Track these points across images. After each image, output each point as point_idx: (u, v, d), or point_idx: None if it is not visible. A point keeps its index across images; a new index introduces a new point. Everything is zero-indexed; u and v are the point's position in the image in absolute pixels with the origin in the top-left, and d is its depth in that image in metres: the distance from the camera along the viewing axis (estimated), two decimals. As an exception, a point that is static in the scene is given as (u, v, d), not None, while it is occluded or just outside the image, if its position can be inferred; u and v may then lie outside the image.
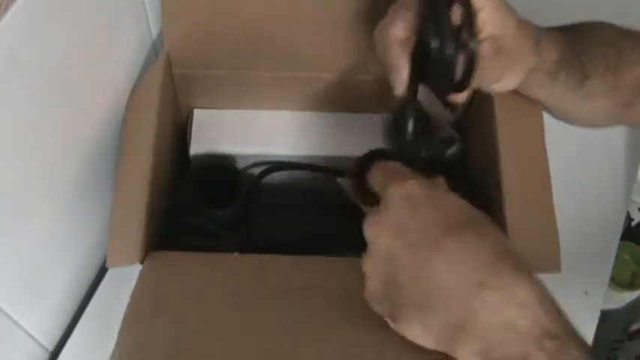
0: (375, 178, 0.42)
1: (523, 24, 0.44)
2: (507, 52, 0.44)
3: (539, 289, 0.36)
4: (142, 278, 0.46)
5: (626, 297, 0.89)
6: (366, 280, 0.39)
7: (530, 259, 0.46)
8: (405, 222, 0.38)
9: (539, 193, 0.50)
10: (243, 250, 0.49)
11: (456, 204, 0.39)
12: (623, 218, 0.67)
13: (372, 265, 0.39)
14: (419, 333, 0.37)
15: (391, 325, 0.38)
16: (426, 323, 0.36)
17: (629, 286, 0.91)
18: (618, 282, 0.90)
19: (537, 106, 0.52)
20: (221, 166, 0.57)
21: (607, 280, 0.65)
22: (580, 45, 0.48)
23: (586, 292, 0.63)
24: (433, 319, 0.36)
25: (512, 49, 0.44)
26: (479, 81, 0.43)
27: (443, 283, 0.36)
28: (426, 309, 0.36)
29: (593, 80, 0.48)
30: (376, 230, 0.39)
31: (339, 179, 0.56)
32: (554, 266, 0.47)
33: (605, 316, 0.64)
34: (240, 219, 0.57)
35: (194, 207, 0.55)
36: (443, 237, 0.37)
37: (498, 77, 0.46)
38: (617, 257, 0.66)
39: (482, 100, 0.55)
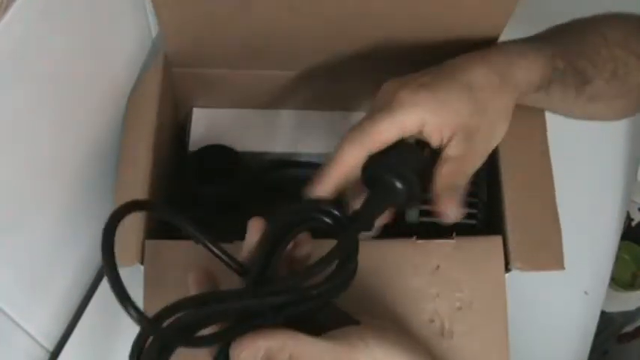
0: None
1: (480, 76, 0.43)
2: (476, 129, 0.42)
3: None
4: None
5: (626, 297, 0.90)
6: None
7: (534, 257, 0.47)
8: None
9: (540, 193, 0.50)
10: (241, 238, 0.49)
11: None
12: (623, 218, 0.67)
13: None
14: None
15: None
16: None
17: (629, 286, 0.91)
18: (618, 282, 0.90)
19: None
20: (221, 148, 0.57)
21: (607, 280, 0.65)
22: (578, 48, 0.46)
23: (586, 292, 0.63)
24: None
25: (480, 120, 0.42)
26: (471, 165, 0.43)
27: None
28: None
29: (596, 84, 0.46)
30: None
31: None
32: (558, 264, 0.47)
33: (607, 322, 0.64)
34: (238, 203, 0.56)
35: (191, 185, 0.55)
36: None
37: (488, 144, 0.44)
38: (617, 257, 0.66)
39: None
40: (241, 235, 0.46)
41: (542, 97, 0.47)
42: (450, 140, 0.42)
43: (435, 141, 0.42)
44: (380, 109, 0.42)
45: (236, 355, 0.35)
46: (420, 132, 0.42)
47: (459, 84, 0.42)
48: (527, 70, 0.44)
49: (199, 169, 0.56)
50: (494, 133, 0.44)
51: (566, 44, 0.46)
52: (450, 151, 0.42)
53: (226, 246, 0.47)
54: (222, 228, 0.55)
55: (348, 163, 0.42)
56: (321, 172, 0.42)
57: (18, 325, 0.50)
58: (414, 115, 0.41)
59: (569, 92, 0.46)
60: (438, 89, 0.42)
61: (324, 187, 0.42)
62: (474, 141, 0.42)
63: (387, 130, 0.41)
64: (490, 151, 0.44)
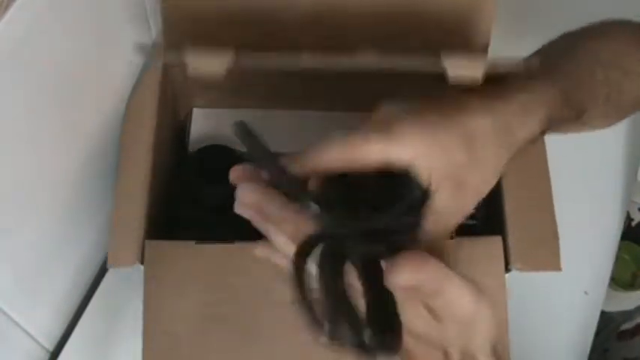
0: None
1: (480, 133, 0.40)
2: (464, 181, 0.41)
3: None
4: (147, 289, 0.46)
5: (626, 297, 0.89)
6: None
7: (535, 258, 0.47)
8: None
9: (540, 194, 0.50)
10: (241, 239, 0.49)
11: None
12: (623, 218, 0.67)
13: None
14: None
15: None
16: None
17: (629, 286, 0.91)
18: (618, 282, 0.90)
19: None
20: (222, 147, 0.57)
21: (607, 280, 0.64)
22: (574, 74, 0.45)
23: (586, 292, 0.63)
24: None
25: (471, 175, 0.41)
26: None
27: None
28: None
29: (592, 112, 0.45)
30: None
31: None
32: (555, 265, 0.47)
33: (607, 321, 0.63)
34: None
35: (192, 186, 0.55)
36: None
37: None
38: (617, 257, 0.66)
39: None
40: (242, 236, 0.47)
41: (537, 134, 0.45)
42: (437, 189, 0.40)
43: (423, 181, 0.40)
44: (374, 130, 0.40)
45: (395, 276, 0.34)
46: (410, 165, 0.40)
47: (459, 129, 0.40)
48: (530, 126, 0.42)
49: (200, 169, 0.56)
50: (481, 188, 0.42)
51: (563, 74, 0.45)
52: (437, 202, 0.40)
53: (227, 246, 0.47)
54: (223, 228, 0.55)
55: (321, 165, 0.41)
56: (293, 159, 0.41)
57: (18, 325, 0.50)
58: (408, 148, 0.39)
59: (563, 125, 0.45)
60: (438, 128, 0.40)
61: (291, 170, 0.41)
62: (460, 195, 0.41)
63: (374, 153, 0.39)
64: (473, 206, 0.42)
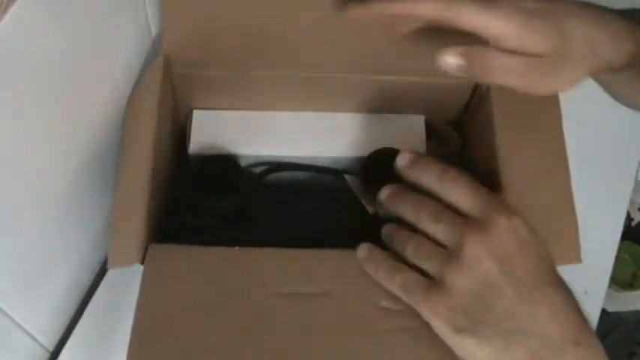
0: (467, 195, 0.43)
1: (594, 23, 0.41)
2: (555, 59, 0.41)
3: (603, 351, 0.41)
4: (144, 289, 0.46)
5: (626, 297, 0.90)
6: (449, 288, 0.40)
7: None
8: (512, 255, 0.40)
9: (546, 190, 0.50)
10: (244, 245, 0.49)
11: (548, 258, 0.42)
12: (623, 218, 0.67)
13: (465, 279, 0.40)
14: (487, 356, 0.40)
15: (452, 333, 0.41)
16: (504, 355, 0.39)
17: (629, 286, 0.91)
18: (618, 282, 0.90)
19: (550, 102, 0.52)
20: (222, 158, 0.57)
21: (607, 280, 0.64)
22: None
23: (586, 292, 0.63)
24: (515, 354, 0.39)
25: (564, 55, 0.41)
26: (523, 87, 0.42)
27: (540, 329, 0.39)
28: (512, 343, 0.39)
29: None
30: (479, 250, 0.40)
31: (346, 176, 0.57)
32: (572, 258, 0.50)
33: (618, 320, 0.63)
34: (241, 211, 0.56)
35: (194, 199, 0.55)
36: (549, 286, 0.40)
37: (545, 82, 0.43)
38: (617, 257, 0.66)
39: (480, 99, 0.55)
40: (245, 241, 0.46)
41: (608, 78, 0.47)
42: None
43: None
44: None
45: None
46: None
47: (555, 20, 0.41)
48: (617, 52, 0.43)
49: (201, 182, 0.55)
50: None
51: None
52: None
53: (231, 250, 0.47)
54: (224, 233, 0.55)
55: (416, 10, 0.41)
56: None
57: (18, 325, 0.50)
58: (501, 21, 0.40)
59: (636, 78, 0.46)
60: (535, 13, 0.40)
61: None
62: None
63: (468, 18, 0.40)
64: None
